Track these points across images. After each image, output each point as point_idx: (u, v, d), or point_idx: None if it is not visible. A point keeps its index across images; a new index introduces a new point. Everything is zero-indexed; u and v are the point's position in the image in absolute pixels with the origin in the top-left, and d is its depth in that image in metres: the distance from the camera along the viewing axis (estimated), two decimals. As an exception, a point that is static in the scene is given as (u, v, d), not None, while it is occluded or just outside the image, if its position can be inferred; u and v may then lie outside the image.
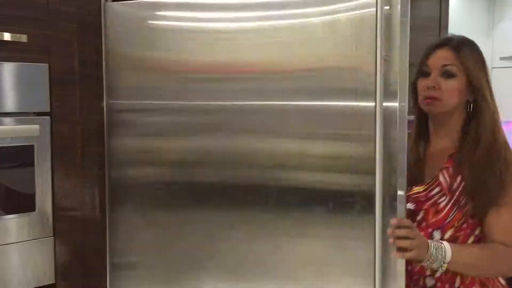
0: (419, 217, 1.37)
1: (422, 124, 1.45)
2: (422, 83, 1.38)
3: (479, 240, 1.34)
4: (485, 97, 1.33)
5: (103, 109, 1.54)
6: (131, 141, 1.55)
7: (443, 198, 1.34)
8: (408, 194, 1.35)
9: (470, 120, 1.36)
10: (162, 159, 1.54)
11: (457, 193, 1.33)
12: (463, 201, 1.32)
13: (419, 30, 2.50)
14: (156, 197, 1.54)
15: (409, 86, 1.24)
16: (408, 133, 1.41)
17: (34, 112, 1.42)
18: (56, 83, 1.44)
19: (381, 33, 1.17)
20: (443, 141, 1.41)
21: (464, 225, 1.32)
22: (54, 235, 1.45)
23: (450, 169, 1.35)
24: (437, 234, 1.33)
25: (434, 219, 1.34)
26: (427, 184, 1.37)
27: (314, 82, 1.30)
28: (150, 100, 1.56)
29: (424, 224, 1.35)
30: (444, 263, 1.22)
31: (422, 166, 1.42)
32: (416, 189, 1.38)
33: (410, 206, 1.36)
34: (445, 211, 1.33)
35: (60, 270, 1.47)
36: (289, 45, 1.32)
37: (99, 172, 1.54)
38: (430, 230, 1.34)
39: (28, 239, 1.41)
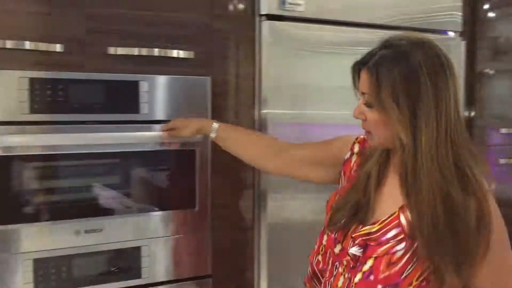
0: (365, 268, 1.03)
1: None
2: None
3: None
4: (398, 135, 1.00)
5: (254, 118, 1.68)
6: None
7: (401, 246, 1.00)
8: (355, 234, 1.06)
9: None
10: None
11: None
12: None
13: None
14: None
15: None
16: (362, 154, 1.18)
17: (196, 120, 1.60)
18: (216, 94, 1.60)
19: None
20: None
21: (424, 283, 1.00)
22: (212, 229, 1.61)
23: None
24: None
25: (386, 273, 1.00)
26: (382, 222, 1.04)
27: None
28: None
29: (372, 277, 1.01)
30: None
31: (376, 200, 1.09)
32: (367, 228, 1.05)
33: (355, 251, 1.05)
34: (402, 263, 0.99)
35: (216, 262, 1.62)
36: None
37: (251, 175, 1.68)
38: (380, 287, 1.01)
39: (189, 232, 1.59)
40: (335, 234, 1.10)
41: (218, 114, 1.61)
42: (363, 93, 1.05)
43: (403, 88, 0.98)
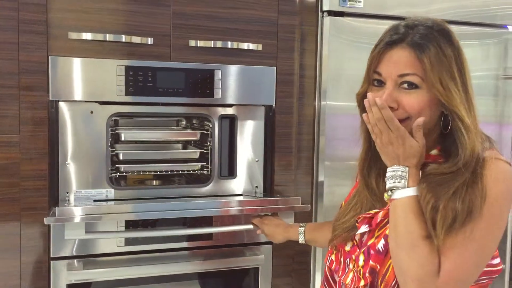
0: (364, 248, 1.05)
1: None
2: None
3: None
4: (460, 117, 0.96)
5: (314, 107, 1.86)
6: (332, 138, 1.84)
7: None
8: (358, 216, 1.08)
9: (445, 137, 1.01)
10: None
11: None
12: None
13: None
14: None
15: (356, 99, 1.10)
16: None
17: (263, 105, 1.81)
18: (280, 82, 1.80)
19: None
20: None
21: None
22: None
23: None
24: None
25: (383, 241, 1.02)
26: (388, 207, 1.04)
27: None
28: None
29: (372, 251, 1.04)
30: (395, 188, 0.97)
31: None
32: (375, 210, 1.06)
33: (364, 228, 1.06)
34: None
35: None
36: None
37: (309, 155, 1.87)
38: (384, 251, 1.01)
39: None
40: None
41: (281, 101, 1.81)
42: (401, 75, 0.97)
43: (456, 64, 0.96)
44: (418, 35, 0.97)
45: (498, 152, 1.01)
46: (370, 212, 1.06)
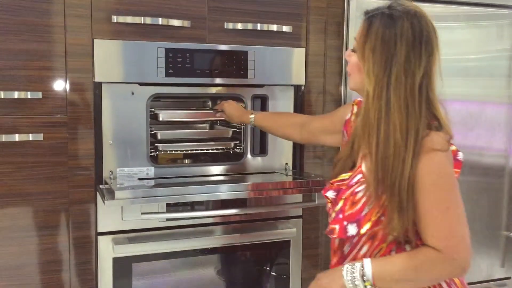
0: (337, 208, 1.19)
1: None
2: None
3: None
4: (368, 92, 1.12)
5: (341, 86, 1.94)
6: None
7: (361, 188, 1.16)
8: (333, 180, 1.24)
9: None
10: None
11: None
12: (380, 191, 1.12)
13: None
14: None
15: None
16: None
17: (292, 85, 1.88)
18: (309, 63, 1.88)
19: None
20: None
21: (382, 218, 1.12)
22: (302, 179, 1.91)
23: None
24: (352, 228, 1.14)
25: (350, 211, 1.16)
26: (353, 170, 1.21)
27: None
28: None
29: (340, 215, 1.18)
30: (366, 281, 1.11)
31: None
32: (342, 176, 1.23)
33: (330, 194, 1.23)
34: (362, 202, 1.14)
35: (306, 209, 1.92)
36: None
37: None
38: (345, 223, 1.16)
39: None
40: (327, 184, 1.27)
41: (310, 81, 1.88)
42: (355, 38, 1.19)
43: (381, 48, 1.10)
44: (372, 15, 1.14)
45: (443, 136, 1.09)
46: (344, 178, 1.21)
